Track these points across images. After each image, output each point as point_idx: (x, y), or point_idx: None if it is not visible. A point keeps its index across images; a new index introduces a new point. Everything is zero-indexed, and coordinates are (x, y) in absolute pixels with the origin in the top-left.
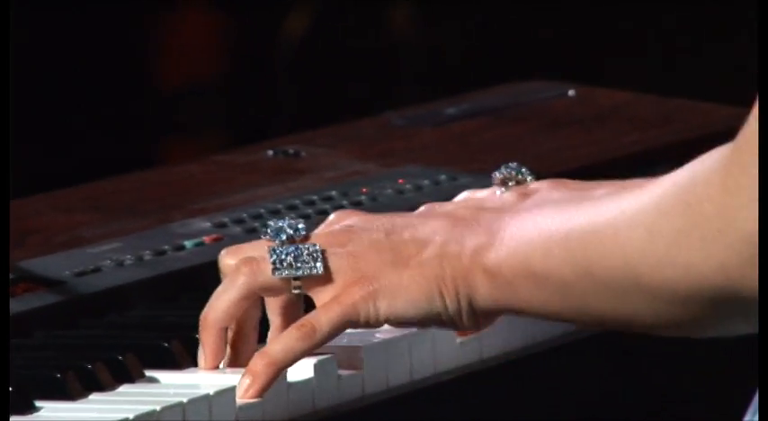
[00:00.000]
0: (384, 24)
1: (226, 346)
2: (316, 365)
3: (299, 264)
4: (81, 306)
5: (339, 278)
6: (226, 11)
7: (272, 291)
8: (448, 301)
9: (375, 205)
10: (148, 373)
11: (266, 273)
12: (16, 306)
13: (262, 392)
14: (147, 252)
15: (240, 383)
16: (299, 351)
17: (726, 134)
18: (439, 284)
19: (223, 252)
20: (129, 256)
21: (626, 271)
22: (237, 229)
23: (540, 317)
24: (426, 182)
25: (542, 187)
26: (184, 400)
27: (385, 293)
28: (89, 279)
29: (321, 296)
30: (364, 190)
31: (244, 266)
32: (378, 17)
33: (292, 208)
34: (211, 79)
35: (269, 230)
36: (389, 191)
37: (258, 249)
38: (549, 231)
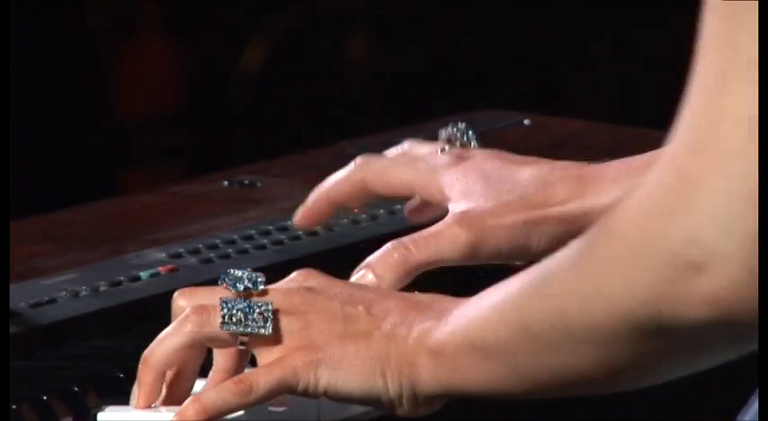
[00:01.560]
0: (339, 54)
1: (162, 387)
2: None
3: (248, 322)
4: (36, 337)
5: (287, 341)
6: (183, 41)
7: (218, 342)
8: (389, 384)
9: (330, 235)
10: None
11: (214, 325)
12: None
13: None
14: (103, 283)
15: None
16: (232, 405)
17: None
18: (383, 365)
19: (177, 293)
20: (84, 287)
21: (555, 318)
22: (193, 260)
23: (482, 394)
24: (381, 211)
25: (477, 156)
26: None
27: (328, 364)
28: (44, 310)
29: (265, 356)
30: None
31: (193, 314)
32: (334, 48)
33: (248, 238)
34: (168, 109)
35: (227, 278)
36: (344, 220)
37: (213, 296)
38: (489, 302)
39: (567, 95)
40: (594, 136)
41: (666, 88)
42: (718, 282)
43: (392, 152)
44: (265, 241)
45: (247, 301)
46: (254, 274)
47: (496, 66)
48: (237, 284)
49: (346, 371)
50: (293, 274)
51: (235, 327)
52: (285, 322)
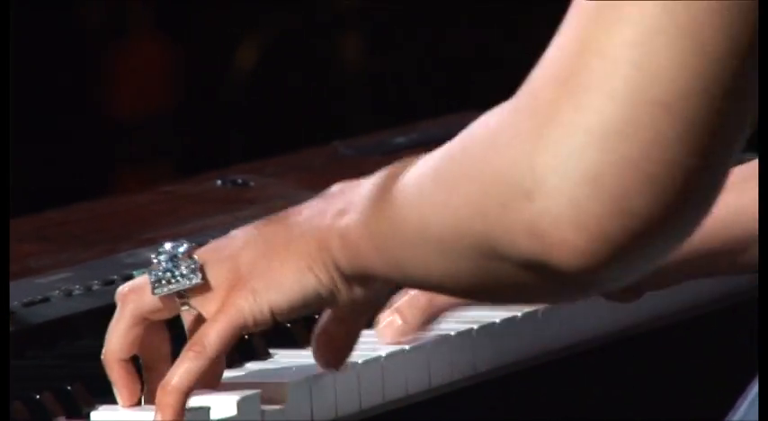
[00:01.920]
0: (333, 54)
1: (136, 377)
2: (239, 402)
3: (177, 279)
4: (29, 336)
5: (220, 286)
6: (176, 42)
7: (159, 311)
8: (319, 275)
9: None
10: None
11: (149, 295)
12: None
13: (178, 418)
14: (96, 282)
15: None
16: (195, 371)
17: None
18: (307, 260)
19: (118, 289)
20: (77, 286)
21: (417, 222)
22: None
23: (381, 279)
24: None
25: None
26: None
27: (262, 287)
28: (38, 309)
29: (208, 308)
30: None
31: (129, 293)
32: (327, 48)
33: None
34: (161, 110)
35: (155, 255)
36: None
37: (142, 278)
38: (386, 191)
39: None
40: None
41: None
42: (540, 213)
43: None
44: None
45: (173, 262)
46: (177, 242)
47: (489, 65)
48: (161, 254)
49: (279, 284)
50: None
51: (166, 288)
52: (213, 268)
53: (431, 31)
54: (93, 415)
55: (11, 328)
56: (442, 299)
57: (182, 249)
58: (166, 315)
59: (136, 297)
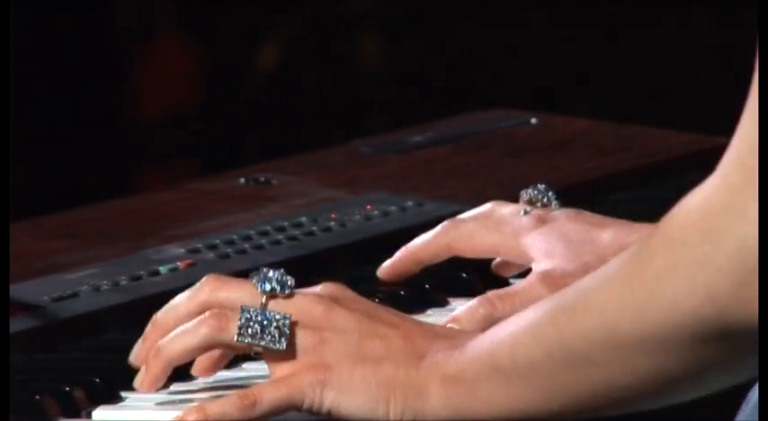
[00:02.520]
0: (351, 55)
1: (166, 376)
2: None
3: (263, 336)
4: (58, 330)
5: (299, 356)
6: (200, 44)
7: (231, 349)
8: (391, 411)
9: (344, 231)
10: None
11: (230, 335)
12: None
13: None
14: (123, 278)
15: None
16: (233, 418)
17: (680, 159)
18: (388, 392)
19: (209, 277)
20: (105, 282)
21: (602, 332)
22: (210, 255)
23: (499, 416)
24: (393, 208)
25: (561, 216)
26: None
27: (334, 386)
28: (66, 304)
29: (276, 369)
30: (333, 216)
31: (211, 319)
32: (345, 48)
33: (264, 234)
34: (185, 109)
35: (258, 276)
36: (358, 217)
37: (239, 292)
38: (516, 326)
39: (572, 94)
40: (598, 134)
41: (666, 87)
42: None
43: (475, 213)
44: (281, 237)
45: (265, 314)
46: (285, 277)
47: (504, 66)
48: (265, 284)
49: (351, 395)
50: (322, 284)
51: (250, 340)
52: (300, 336)
53: (446, 32)
54: (95, 414)
55: (40, 323)
56: (501, 312)
57: (289, 284)
58: (234, 352)
59: (217, 327)
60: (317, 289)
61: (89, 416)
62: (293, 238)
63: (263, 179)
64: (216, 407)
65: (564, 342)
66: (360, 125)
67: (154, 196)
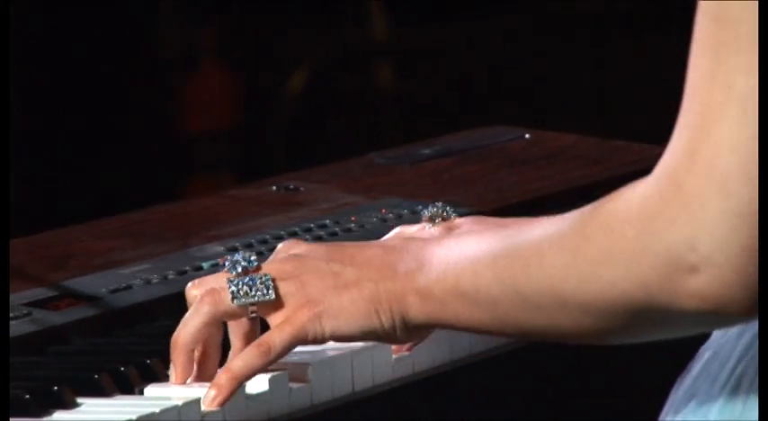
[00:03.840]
0: (369, 79)
1: (193, 365)
2: (270, 379)
3: (253, 292)
4: (115, 318)
5: (289, 302)
6: (238, 70)
7: (232, 316)
8: (383, 319)
9: (362, 231)
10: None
11: (226, 302)
12: (60, 318)
13: (224, 402)
14: (171, 272)
15: (206, 395)
16: (257, 366)
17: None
18: (375, 305)
19: (189, 284)
20: (155, 276)
21: (550, 289)
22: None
23: (466, 330)
24: (405, 211)
25: (465, 222)
26: (156, 410)
27: (329, 314)
28: (122, 295)
29: (274, 318)
30: (353, 219)
31: (207, 296)
32: (363, 74)
33: (292, 234)
34: (226, 126)
35: (226, 263)
36: (374, 219)
37: (218, 281)
38: (476, 255)
39: (561, 111)
40: (583, 147)
41: (647, 103)
42: (709, 283)
43: (385, 238)
44: (307, 237)
45: (249, 277)
46: (247, 254)
47: (501, 87)
48: (236, 266)
49: (346, 317)
50: (279, 247)
51: (244, 300)
52: (284, 287)
53: (450, 61)
54: (147, 390)
55: (98, 312)
56: None
57: (253, 259)
58: (236, 318)
59: (213, 301)
60: (277, 250)
61: (141, 392)
62: (318, 238)
63: (291, 186)
64: (239, 362)
65: (518, 288)
66: (376, 140)
67: (197, 201)
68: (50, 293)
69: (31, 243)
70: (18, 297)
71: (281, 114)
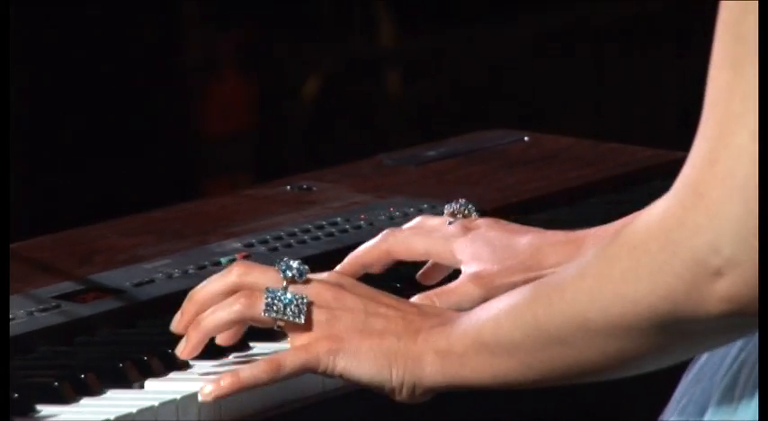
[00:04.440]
0: (377, 85)
1: (203, 345)
2: None
3: (286, 311)
4: (138, 310)
5: (315, 329)
6: (255, 76)
7: (259, 322)
8: (394, 375)
9: (371, 229)
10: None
11: (258, 310)
12: (87, 310)
13: (219, 399)
14: (191, 267)
15: (204, 387)
16: (263, 380)
17: (646, 170)
18: (390, 360)
19: (239, 262)
20: (176, 270)
21: (574, 320)
22: (262, 248)
23: (486, 384)
24: (411, 210)
25: (482, 224)
26: (156, 404)
27: (345, 354)
28: (145, 289)
29: (295, 339)
30: (362, 216)
31: (243, 297)
32: (372, 80)
33: (305, 231)
34: (243, 129)
35: (281, 264)
36: (382, 217)
37: (264, 277)
38: (498, 308)
39: (559, 115)
40: (579, 149)
41: (638, 109)
42: (735, 285)
43: (409, 224)
44: (319, 233)
45: (288, 293)
46: (303, 267)
47: (502, 92)
48: (287, 271)
49: (360, 362)
50: (328, 273)
51: (275, 315)
52: (316, 313)
53: (453, 67)
54: (147, 384)
55: (123, 304)
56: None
57: (305, 272)
58: (261, 325)
59: (248, 304)
60: (325, 276)
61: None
62: (330, 234)
63: (305, 186)
64: (247, 372)
65: (540, 326)
66: (384, 142)
67: (216, 200)
68: (77, 287)
69: (59, 240)
70: (47, 290)
71: (296, 118)
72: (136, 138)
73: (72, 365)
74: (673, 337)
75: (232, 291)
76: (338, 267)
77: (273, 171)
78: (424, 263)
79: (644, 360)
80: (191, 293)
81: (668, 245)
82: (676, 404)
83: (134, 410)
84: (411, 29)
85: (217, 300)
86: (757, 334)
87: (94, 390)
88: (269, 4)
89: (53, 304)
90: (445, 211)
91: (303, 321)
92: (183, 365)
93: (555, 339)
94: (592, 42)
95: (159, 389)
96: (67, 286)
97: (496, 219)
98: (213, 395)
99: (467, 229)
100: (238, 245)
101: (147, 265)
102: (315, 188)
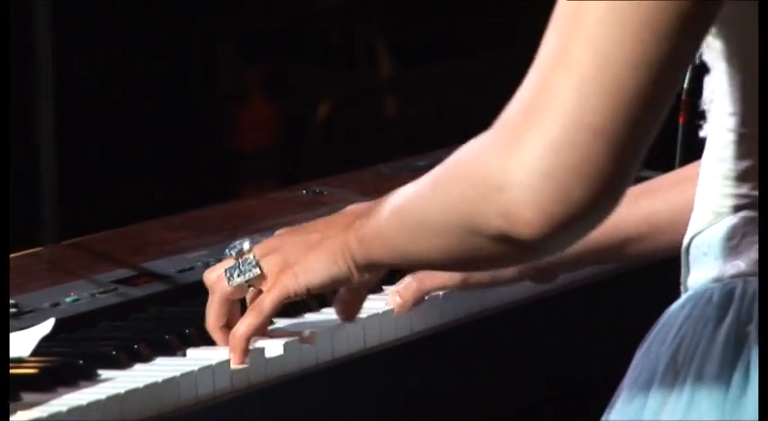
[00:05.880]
0: (377, 109)
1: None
2: (284, 345)
3: (243, 273)
4: (181, 292)
5: (273, 270)
6: (277, 100)
7: (236, 294)
8: (341, 264)
9: None
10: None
11: (227, 285)
12: (139, 292)
13: (242, 358)
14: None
15: (231, 358)
16: (255, 324)
17: None
18: (334, 255)
19: (206, 271)
20: (212, 260)
21: (418, 216)
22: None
23: (388, 264)
24: None
25: None
26: (195, 369)
27: (302, 271)
28: (187, 274)
29: (265, 287)
30: None
31: (214, 286)
32: (373, 103)
33: None
34: (268, 145)
35: (227, 250)
36: None
37: (220, 265)
38: (388, 206)
39: None
40: None
41: None
42: (509, 201)
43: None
44: None
45: (238, 262)
46: (243, 241)
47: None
48: (231, 250)
49: (314, 270)
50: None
51: (239, 280)
52: (267, 261)
53: (442, 91)
54: (189, 352)
55: (169, 287)
56: (427, 285)
57: (246, 245)
58: (241, 295)
59: (218, 287)
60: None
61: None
62: None
63: (317, 190)
64: (240, 326)
65: (403, 219)
66: (383, 155)
67: (245, 202)
68: (132, 273)
69: (117, 234)
70: (107, 276)
71: (310, 135)
72: (182, 153)
73: (127, 337)
74: (475, 243)
75: (221, 299)
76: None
77: (292, 178)
78: None
79: (466, 260)
80: (206, 324)
81: (476, 163)
82: (632, 373)
83: (177, 374)
84: (405, 61)
85: (223, 319)
86: (695, 310)
87: (145, 358)
88: (288, 43)
89: (112, 287)
90: None
91: (259, 271)
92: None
93: (412, 233)
94: None
95: (198, 357)
96: (124, 272)
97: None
98: (237, 357)
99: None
100: (263, 238)
101: (189, 255)
102: (325, 192)
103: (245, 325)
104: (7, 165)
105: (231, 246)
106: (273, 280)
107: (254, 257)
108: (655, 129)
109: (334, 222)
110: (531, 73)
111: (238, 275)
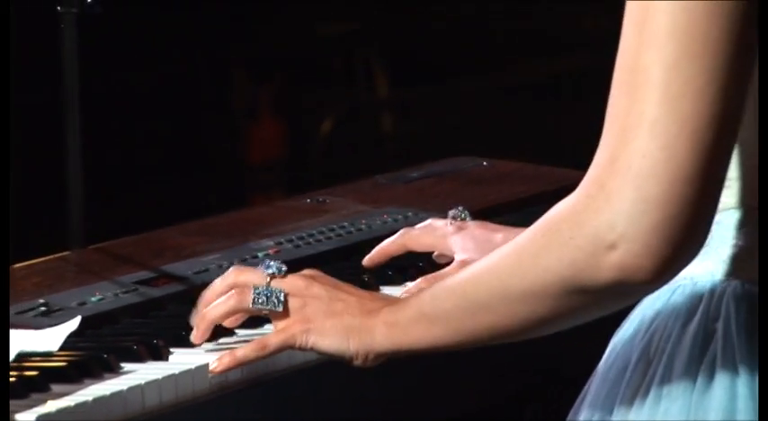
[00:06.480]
0: (376, 126)
1: (210, 332)
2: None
3: (268, 303)
4: (198, 291)
5: (291, 315)
6: (284, 118)
7: (248, 312)
8: (351, 346)
9: (370, 231)
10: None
11: (247, 303)
12: (158, 292)
13: (221, 373)
14: (236, 259)
15: (212, 362)
16: (253, 358)
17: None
18: (349, 333)
19: (234, 267)
20: (225, 262)
21: (497, 288)
22: (289, 245)
23: (424, 348)
24: (400, 217)
25: (471, 225)
26: (209, 361)
27: (314, 332)
28: (202, 276)
29: (277, 324)
30: (363, 222)
31: (237, 293)
32: (372, 120)
33: (321, 232)
34: (276, 158)
35: (265, 265)
36: (378, 222)
37: (253, 276)
38: (437, 286)
39: (510, 146)
40: (526, 171)
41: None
42: (623, 255)
43: (420, 225)
44: (331, 234)
45: (270, 289)
46: (281, 265)
47: (467, 130)
48: (268, 269)
49: (325, 337)
50: (305, 270)
51: (260, 306)
52: (291, 302)
53: (428, 111)
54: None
55: (185, 287)
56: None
57: (284, 270)
58: (250, 314)
59: (239, 299)
60: (302, 272)
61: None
62: (339, 235)
63: (320, 199)
64: (242, 351)
65: (468, 296)
66: (380, 166)
67: (255, 210)
68: (151, 275)
69: (139, 239)
70: (129, 277)
71: (314, 149)
72: (198, 165)
73: (147, 333)
74: (574, 302)
75: (231, 289)
76: (367, 257)
77: (297, 188)
78: (430, 253)
79: (551, 322)
80: (203, 313)
81: (574, 224)
82: (604, 363)
83: (193, 367)
84: (400, 84)
85: (218, 297)
86: (667, 305)
87: (164, 352)
88: (294, 65)
89: (133, 288)
90: (448, 216)
91: (281, 309)
92: (230, 333)
93: (480, 306)
94: (533, 95)
95: (212, 349)
96: (144, 274)
97: (483, 222)
98: (218, 370)
99: (460, 229)
100: (271, 243)
101: (204, 259)
102: (328, 200)
103: (245, 353)
104: (7, 168)
105: (268, 263)
106: (287, 325)
107: (283, 294)
108: (731, 155)
109: (361, 302)
110: (607, 130)
111: (263, 303)
